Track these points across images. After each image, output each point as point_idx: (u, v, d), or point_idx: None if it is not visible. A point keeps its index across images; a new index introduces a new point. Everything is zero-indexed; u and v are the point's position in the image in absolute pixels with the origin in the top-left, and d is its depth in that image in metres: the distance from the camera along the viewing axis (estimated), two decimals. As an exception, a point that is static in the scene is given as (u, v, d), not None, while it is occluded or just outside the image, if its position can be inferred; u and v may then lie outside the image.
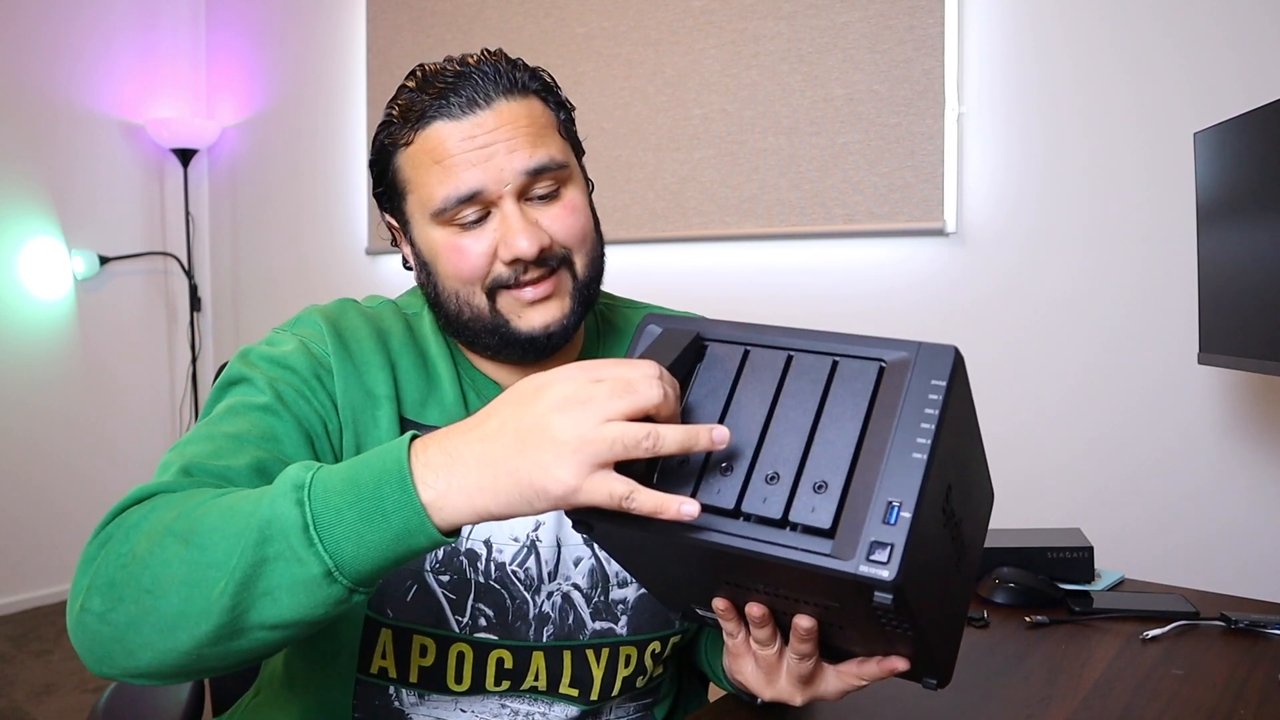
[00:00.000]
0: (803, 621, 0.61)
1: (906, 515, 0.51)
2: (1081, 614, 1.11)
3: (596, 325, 0.93)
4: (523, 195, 0.79)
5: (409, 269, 0.87)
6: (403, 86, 0.81)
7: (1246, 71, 1.74)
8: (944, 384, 0.55)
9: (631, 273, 2.50)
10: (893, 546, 0.50)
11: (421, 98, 0.78)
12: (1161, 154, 1.83)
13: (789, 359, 0.59)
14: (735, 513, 0.56)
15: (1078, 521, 1.84)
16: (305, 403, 0.77)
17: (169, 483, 0.65)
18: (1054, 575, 1.21)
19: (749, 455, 0.57)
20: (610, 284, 0.94)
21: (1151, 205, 1.86)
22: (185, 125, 3.44)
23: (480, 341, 0.82)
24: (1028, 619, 1.09)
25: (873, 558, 0.51)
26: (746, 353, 0.61)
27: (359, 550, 0.55)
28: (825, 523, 0.53)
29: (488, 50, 0.82)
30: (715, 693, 0.97)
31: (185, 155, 3.50)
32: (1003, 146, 2.03)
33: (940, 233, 2.08)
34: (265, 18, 3.49)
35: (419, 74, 0.81)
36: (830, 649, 0.67)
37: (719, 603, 0.65)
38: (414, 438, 0.57)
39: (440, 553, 0.80)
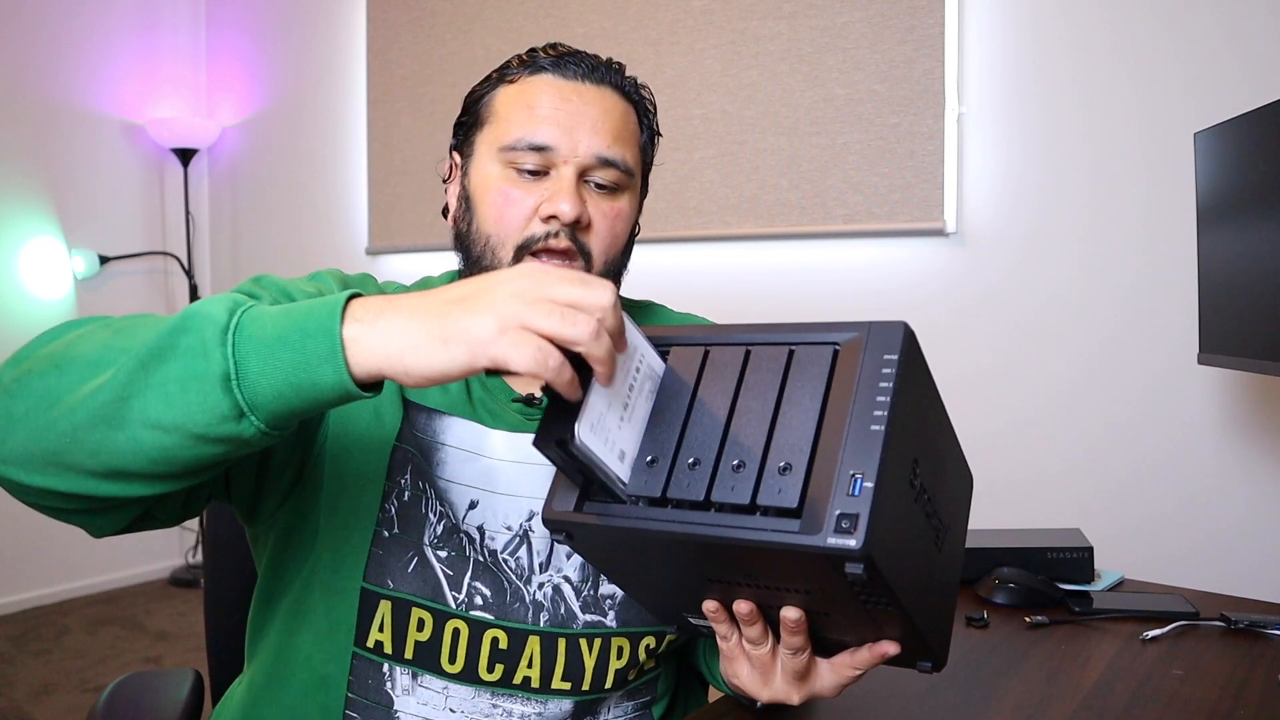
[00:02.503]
0: (790, 613, 0.62)
1: (869, 485, 0.52)
2: (1081, 614, 1.11)
3: None
4: (584, 174, 0.82)
5: (445, 216, 0.89)
6: (533, 48, 0.87)
7: (1246, 71, 1.74)
8: (895, 358, 0.56)
9: (631, 272, 2.50)
10: (858, 516, 0.51)
11: (544, 54, 0.84)
12: (1161, 154, 1.84)
13: (747, 353, 0.61)
14: (705, 504, 0.57)
15: (1078, 521, 1.84)
16: None
17: None
18: (1054, 575, 1.21)
19: (714, 448, 0.58)
20: (610, 284, 0.94)
21: (1151, 205, 1.86)
22: (185, 125, 3.44)
23: None
24: (1027, 619, 1.09)
25: (840, 529, 0.51)
26: (706, 353, 0.62)
27: (264, 366, 0.53)
28: (792, 502, 0.54)
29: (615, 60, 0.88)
30: (714, 694, 0.97)
31: (185, 155, 3.50)
32: (1003, 146, 2.03)
33: (940, 233, 2.08)
34: (265, 18, 3.49)
35: (550, 46, 0.87)
36: (824, 644, 0.67)
37: (709, 604, 0.65)
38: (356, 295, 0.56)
39: (440, 528, 0.81)
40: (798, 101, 2.25)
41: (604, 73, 0.84)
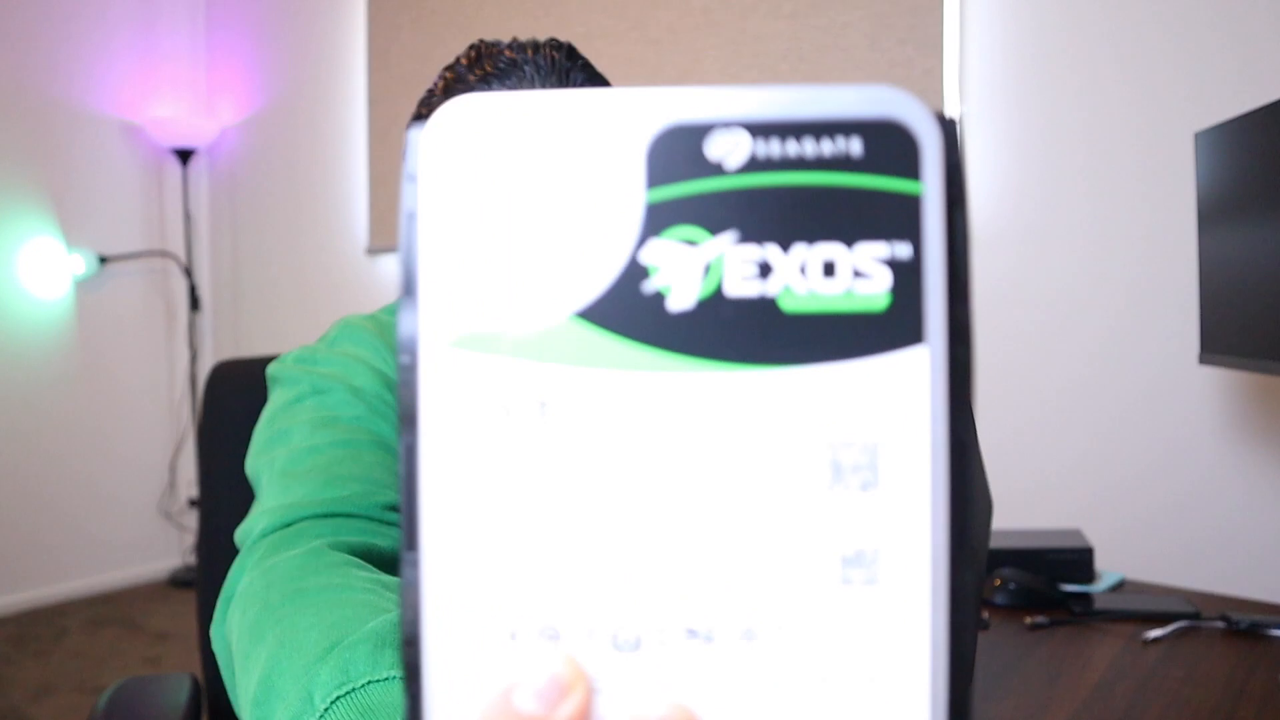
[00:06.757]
0: None
1: None
2: (1082, 615, 1.10)
3: None
4: None
5: None
6: (459, 58, 0.78)
7: (1248, 71, 1.73)
8: None
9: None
10: None
11: (468, 77, 0.76)
12: (1163, 154, 1.83)
13: None
14: None
15: (1078, 522, 1.84)
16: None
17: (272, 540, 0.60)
18: (1054, 576, 1.21)
19: None
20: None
21: (1152, 205, 1.85)
22: (184, 124, 3.44)
23: None
24: (1028, 620, 1.09)
25: None
26: None
27: None
28: None
29: (555, 41, 0.78)
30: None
31: (184, 155, 3.50)
32: (1003, 147, 2.02)
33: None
34: (265, 17, 3.48)
35: (474, 51, 0.78)
36: None
37: None
38: None
39: None
40: (797, 101, 2.25)
41: (535, 81, 0.74)
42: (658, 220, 0.19)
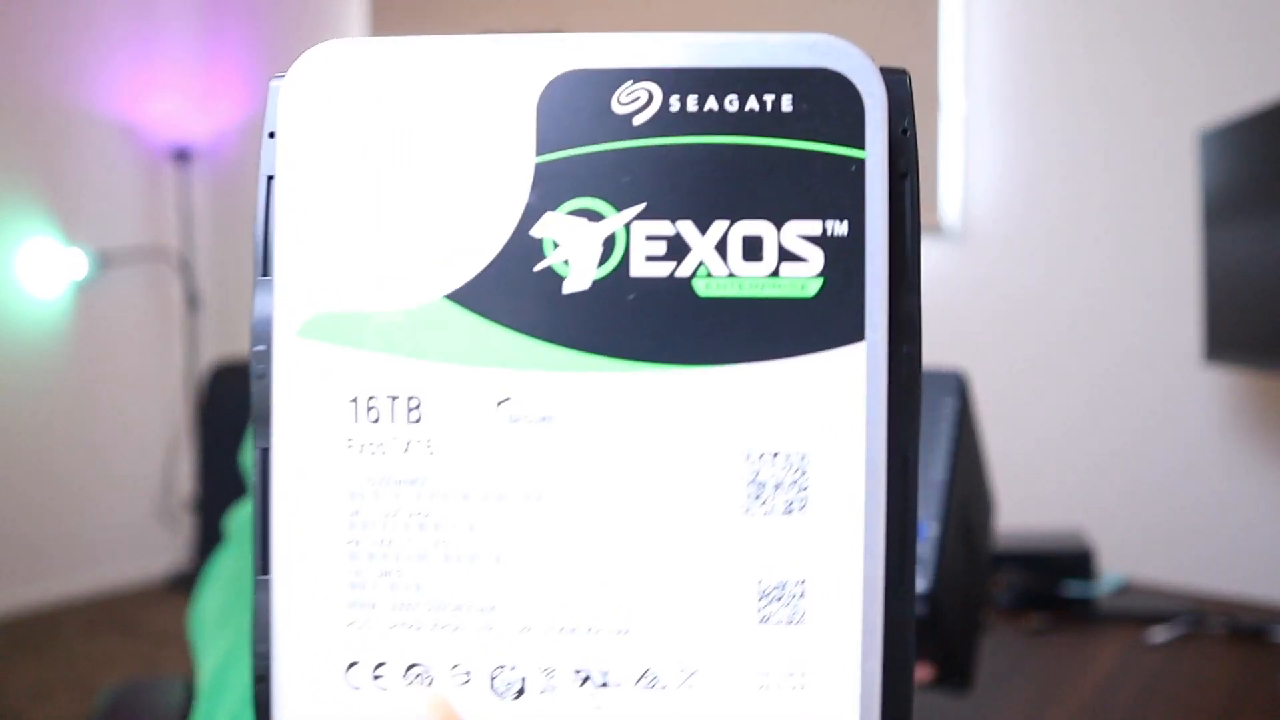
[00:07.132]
0: None
1: (933, 535, 0.54)
2: (1084, 617, 1.10)
3: None
4: None
5: None
6: None
7: (1257, 69, 1.73)
8: (955, 409, 0.58)
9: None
10: (924, 560, 0.54)
11: None
12: (1170, 152, 1.83)
13: None
14: None
15: (1080, 523, 1.83)
16: None
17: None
18: (1056, 577, 1.20)
19: None
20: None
21: (1159, 205, 1.85)
22: (184, 124, 3.43)
23: None
24: (1029, 622, 1.09)
25: None
26: None
27: None
28: None
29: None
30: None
31: (184, 154, 3.49)
32: (1002, 148, 2.02)
33: (939, 233, 2.07)
34: (265, 16, 3.48)
35: None
36: None
37: None
38: None
39: None
40: (797, 102, 2.25)
41: None
42: (550, 188, 0.16)
